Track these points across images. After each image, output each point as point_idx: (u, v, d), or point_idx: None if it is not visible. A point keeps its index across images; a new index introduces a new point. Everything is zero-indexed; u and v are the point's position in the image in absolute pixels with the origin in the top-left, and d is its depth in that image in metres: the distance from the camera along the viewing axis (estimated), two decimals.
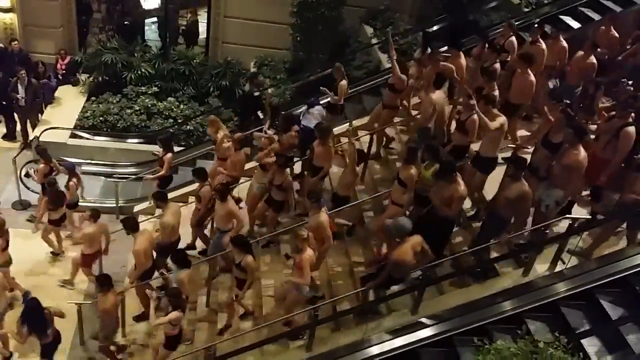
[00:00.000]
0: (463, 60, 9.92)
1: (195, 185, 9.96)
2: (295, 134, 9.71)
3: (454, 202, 7.31)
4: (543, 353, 5.68)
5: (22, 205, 11.66)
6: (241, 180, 10.35)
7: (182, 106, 14.14)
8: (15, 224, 11.06)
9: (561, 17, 12.65)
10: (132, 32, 16.23)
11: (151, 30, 17.58)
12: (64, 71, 15.08)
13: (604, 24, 10.36)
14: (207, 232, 9.83)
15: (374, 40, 13.99)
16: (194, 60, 15.09)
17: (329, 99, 10.64)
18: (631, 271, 7.05)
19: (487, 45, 10.19)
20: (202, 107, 14.34)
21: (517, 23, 12.36)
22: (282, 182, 9.00)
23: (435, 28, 13.77)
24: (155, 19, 17.55)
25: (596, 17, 12.18)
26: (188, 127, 13.61)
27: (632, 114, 7.81)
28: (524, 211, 7.28)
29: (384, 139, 10.49)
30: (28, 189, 11.68)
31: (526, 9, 13.37)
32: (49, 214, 10.00)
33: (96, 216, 9.29)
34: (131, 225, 8.50)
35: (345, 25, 14.47)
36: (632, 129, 7.59)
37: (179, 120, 13.77)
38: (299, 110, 11.16)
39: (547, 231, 7.57)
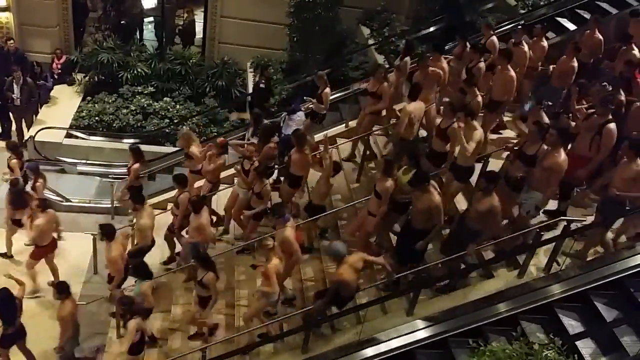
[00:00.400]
0: (444, 63, 9.91)
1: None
2: (274, 146, 9.65)
3: (431, 212, 7.27)
4: (538, 355, 5.71)
5: None
6: (221, 187, 10.36)
7: (178, 106, 14.11)
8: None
9: (557, 19, 12.70)
10: (128, 31, 16.21)
11: (147, 29, 17.55)
12: (59, 70, 15.04)
13: (589, 27, 10.44)
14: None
15: (371, 41, 14.01)
16: (191, 60, 15.09)
17: (312, 106, 10.58)
18: (626, 273, 7.08)
19: (468, 45, 10.23)
20: (198, 107, 14.31)
21: (512, 25, 12.47)
22: (261, 190, 8.93)
23: (431, 29, 13.81)
24: (151, 18, 17.53)
25: None
26: (184, 127, 13.57)
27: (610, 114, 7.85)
28: (493, 224, 7.28)
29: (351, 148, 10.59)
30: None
31: (522, 11, 13.39)
32: (13, 213, 9.86)
33: (44, 206, 9.20)
34: (108, 233, 8.45)
35: (342, 26, 14.47)
36: (613, 125, 7.65)
37: (175, 121, 13.73)
38: (280, 117, 11.09)
39: (543, 233, 7.56)
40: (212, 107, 14.18)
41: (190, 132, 10.61)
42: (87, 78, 14.82)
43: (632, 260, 7.15)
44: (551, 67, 9.98)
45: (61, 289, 7.93)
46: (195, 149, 10.02)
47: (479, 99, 8.91)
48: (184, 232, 9.40)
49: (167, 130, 13.44)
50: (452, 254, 7.38)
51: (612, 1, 12.56)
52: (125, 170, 10.52)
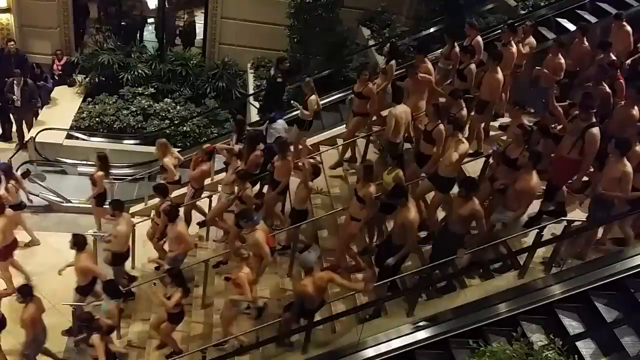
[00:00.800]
0: (429, 65, 9.88)
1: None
2: (260, 154, 9.61)
3: (405, 229, 7.20)
4: (538, 355, 5.68)
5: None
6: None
7: (178, 107, 14.14)
8: None
9: (558, 19, 12.68)
10: (129, 33, 16.22)
11: (148, 31, 17.57)
12: (60, 72, 15.08)
13: (576, 35, 10.38)
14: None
15: (371, 42, 14.01)
16: (191, 61, 15.11)
17: (298, 112, 10.53)
18: (626, 273, 7.07)
19: (456, 46, 10.23)
20: (199, 108, 14.34)
21: None
22: (242, 194, 8.86)
23: (432, 30, 13.80)
24: (152, 19, 17.55)
25: (593, 19, 12.21)
26: (184, 128, 13.59)
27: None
28: (478, 227, 7.28)
29: (350, 151, 10.54)
30: (24, 190, 11.61)
31: (523, 12, 13.39)
32: None
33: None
34: (79, 243, 8.35)
35: (342, 27, 14.47)
36: (596, 130, 7.63)
37: (176, 122, 13.74)
38: (262, 127, 10.99)
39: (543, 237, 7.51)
40: (212, 108, 14.19)
41: (166, 142, 10.31)
42: (87, 79, 14.85)
43: (633, 261, 7.16)
44: (536, 68, 9.95)
45: (24, 292, 7.74)
46: (168, 161, 9.92)
47: (464, 112, 8.90)
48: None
49: (167, 132, 13.45)
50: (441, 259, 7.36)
51: (612, 2, 12.53)
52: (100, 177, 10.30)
